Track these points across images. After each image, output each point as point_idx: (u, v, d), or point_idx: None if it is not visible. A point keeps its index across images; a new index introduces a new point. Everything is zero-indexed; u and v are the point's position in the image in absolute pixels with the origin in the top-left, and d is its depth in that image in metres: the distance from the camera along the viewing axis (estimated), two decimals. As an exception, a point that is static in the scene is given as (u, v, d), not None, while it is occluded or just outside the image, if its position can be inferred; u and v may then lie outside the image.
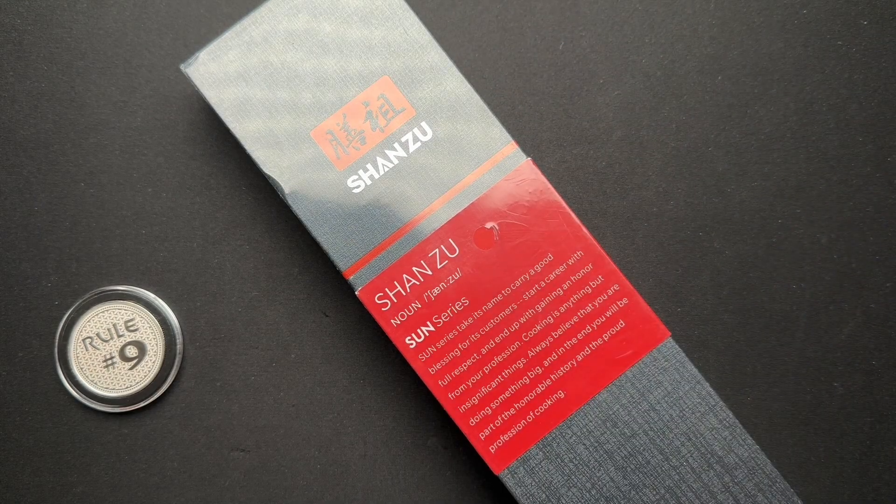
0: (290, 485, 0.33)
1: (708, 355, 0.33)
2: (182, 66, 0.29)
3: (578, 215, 0.33)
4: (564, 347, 0.29)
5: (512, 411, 0.29)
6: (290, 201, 0.29)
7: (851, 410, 0.33)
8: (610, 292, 0.29)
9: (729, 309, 0.33)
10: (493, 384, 0.29)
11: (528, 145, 0.33)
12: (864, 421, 0.33)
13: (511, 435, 0.29)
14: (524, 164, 0.29)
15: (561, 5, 0.33)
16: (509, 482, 0.29)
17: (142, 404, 0.32)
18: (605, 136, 0.33)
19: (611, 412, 0.29)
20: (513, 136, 0.33)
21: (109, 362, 0.32)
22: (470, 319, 0.29)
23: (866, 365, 0.33)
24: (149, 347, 0.32)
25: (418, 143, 0.29)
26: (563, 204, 0.29)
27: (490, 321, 0.29)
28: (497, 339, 0.29)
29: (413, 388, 0.33)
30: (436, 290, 0.29)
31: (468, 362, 0.29)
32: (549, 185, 0.29)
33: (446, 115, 0.29)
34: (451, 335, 0.29)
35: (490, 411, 0.29)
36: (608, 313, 0.29)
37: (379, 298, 0.29)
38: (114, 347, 0.32)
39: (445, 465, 0.33)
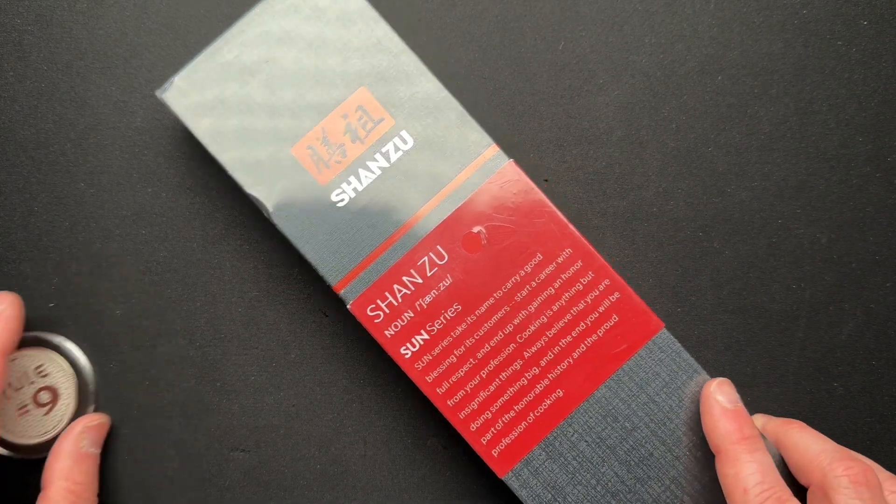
0: (290, 485, 0.33)
1: (708, 355, 0.33)
2: (158, 93, 0.29)
3: (578, 215, 0.33)
4: (560, 346, 0.29)
5: (512, 413, 0.29)
6: (274, 220, 0.29)
7: (851, 410, 0.33)
8: (601, 288, 0.29)
9: (729, 309, 0.33)
10: (492, 388, 0.29)
11: (528, 145, 0.33)
12: (864, 421, 0.33)
13: (513, 437, 0.29)
14: (506, 165, 0.29)
15: (561, 5, 0.33)
16: (514, 484, 0.29)
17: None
18: (605, 136, 0.33)
19: (610, 407, 0.29)
20: (513, 137, 0.33)
21: (23, 410, 0.32)
22: (464, 325, 0.29)
23: (866, 365, 0.33)
24: (62, 391, 0.32)
25: (400, 152, 0.29)
26: (549, 203, 0.29)
27: (484, 325, 0.29)
28: (492, 343, 0.29)
29: (413, 389, 0.33)
30: (427, 298, 0.29)
31: (465, 367, 0.29)
32: (534, 185, 0.29)
33: (425, 122, 0.29)
34: (445, 342, 0.29)
35: (490, 415, 0.29)
36: (601, 309, 0.29)
37: (371, 310, 0.29)
38: (27, 395, 0.32)
39: (445, 465, 0.33)
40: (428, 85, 0.29)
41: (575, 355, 0.29)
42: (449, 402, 0.29)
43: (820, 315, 0.33)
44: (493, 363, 0.29)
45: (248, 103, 0.29)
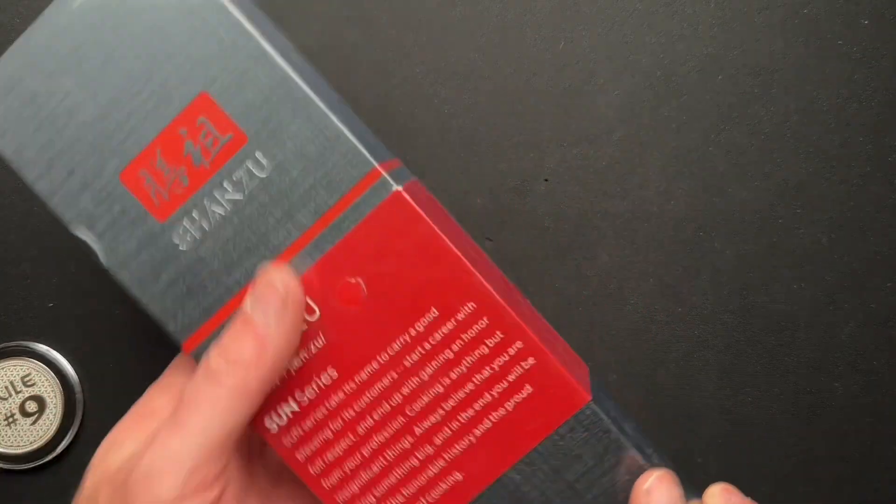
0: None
1: (708, 355, 0.33)
2: None
3: (578, 215, 0.33)
4: (459, 421, 0.24)
5: (399, 499, 0.25)
6: (107, 266, 0.24)
7: (852, 411, 0.33)
8: (512, 352, 0.23)
9: (729, 309, 0.33)
10: (375, 468, 0.24)
11: (528, 145, 0.33)
12: (864, 421, 0.33)
13: None
14: (393, 195, 0.23)
15: (561, 5, 0.33)
16: None
17: (47, 458, 0.32)
18: (605, 135, 0.33)
19: (520, 494, 0.24)
20: (511, 136, 0.33)
21: (11, 420, 0.32)
22: (341, 394, 0.24)
23: (867, 365, 0.33)
24: (48, 400, 0.32)
25: (255, 181, 0.23)
26: (448, 244, 0.23)
27: (366, 394, 0.24)
28: (376, 416, 0.24)
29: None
30: (295, 363, 0.24)
31: (343, 444, 0.24)
32: (429, 222, 0.23)
33: (287, 139, 0.23)
34: (319, 414, 0.24)
35: (374, 500, 0.25)
36: (511, 377, 0.24)
37: None
38: (13, 404, 0.32)
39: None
40: (289, 89, 0.23)
41: (477, 432, 0.24)
42: (324, 483, 0.24)
43: (820, 315, 0.33)
44: (378, 439, 0.24)
45: (65, 112, 0.23)
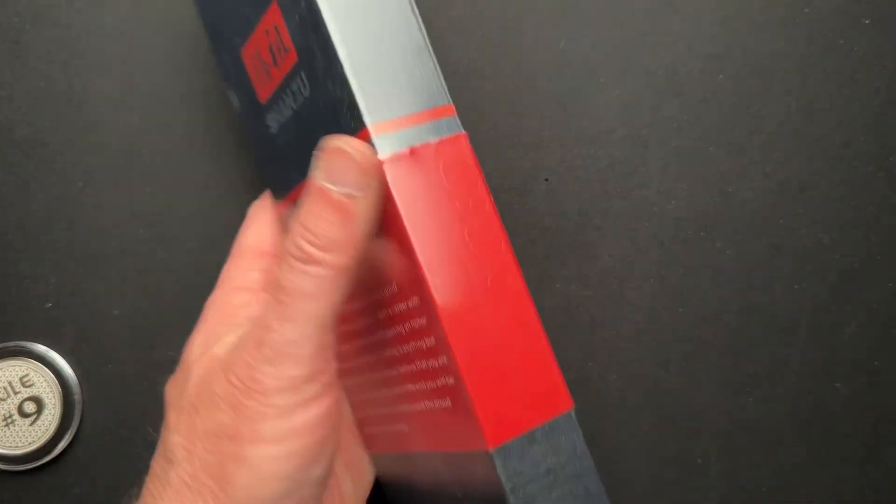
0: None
1: (709, 355, 0.33)
2: None
3: (580, 215, 0.33)
4: (406, 388, 0.24)
5: (370, 412, 0.27)
6: (240, 119, 0.27)
7: (853, 411, 0.33)
8: (440, 362, 0.22)
9: (731, 309, 0.33)
10: (354, 381, 0.27)
11: (529, 144, 0.33)
12: (865, 421, 0.33)
13: (365, 434, 0.27)
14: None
15: (562, 3, 0.33)
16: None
17: (46, 459, 0.32)
18: (606, 135, 0.33)
19: (436, 479, 0.25)
20: (511, 136, 0.33)
21: (9, 420, 0.32)
22: (352, 307, 0.25)
23: (868, 365, 0.33)
24: (46, 401, 0.32)
25: (301, 98, 0.23)
26: (408, 233, 0.22)
27: (357, 321, 0.25)
28: (362, 341, 0.25)
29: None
30: None
31: (340, 349, 0.25)
32: (397, 204, 0.22)
33: (318, 70, 0.22)
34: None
35: (360, 401, 0.27)
36: (438, 383, 0.23)
37: None
38: (12, 405, 0.32)
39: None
40: (317, 23, 0.22)
41: (416, 408, 0.24)
42: None
43: (822, 315, 0.33)
44: (359, 361, 0.26)
45: None
